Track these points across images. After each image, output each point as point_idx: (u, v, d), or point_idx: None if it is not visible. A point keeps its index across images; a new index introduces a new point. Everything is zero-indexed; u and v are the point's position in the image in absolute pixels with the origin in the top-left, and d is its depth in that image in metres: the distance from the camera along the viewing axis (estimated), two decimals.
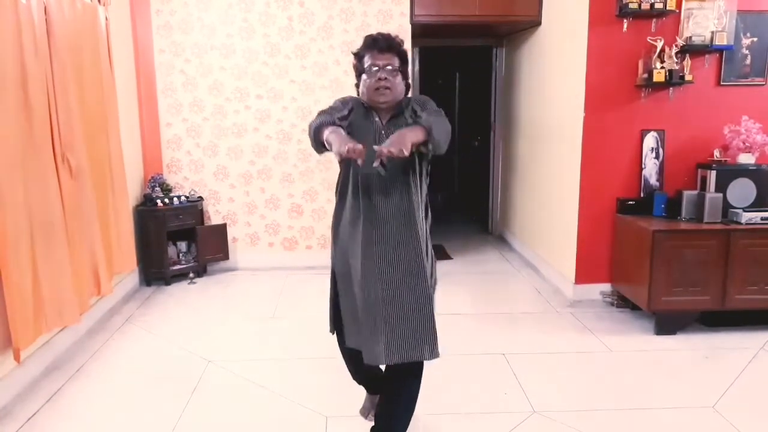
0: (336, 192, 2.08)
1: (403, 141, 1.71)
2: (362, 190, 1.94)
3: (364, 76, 1.97)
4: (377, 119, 1.99)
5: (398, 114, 2.00)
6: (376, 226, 1.93)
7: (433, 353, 1.96)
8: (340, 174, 2.05)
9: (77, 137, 3.14)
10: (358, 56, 2.01)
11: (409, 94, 2.09)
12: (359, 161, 1.73)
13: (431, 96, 2.12)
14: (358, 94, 2.07)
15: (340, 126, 1.90)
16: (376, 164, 1.74)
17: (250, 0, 4.52)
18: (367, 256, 1.94)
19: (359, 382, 2.36)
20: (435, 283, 2.10)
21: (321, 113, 1.98)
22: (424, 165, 2.01)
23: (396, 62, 1.96)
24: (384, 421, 2.08)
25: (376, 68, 1.93)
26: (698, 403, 2.58)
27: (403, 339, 1.93)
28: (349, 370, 2.31)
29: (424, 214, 2.03)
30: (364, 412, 2.42)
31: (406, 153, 1.69)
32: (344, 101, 2.05)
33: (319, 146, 1.93)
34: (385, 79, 1.92)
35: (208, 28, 4.53)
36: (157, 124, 4.60)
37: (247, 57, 4.59)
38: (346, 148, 1.70)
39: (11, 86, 2.53)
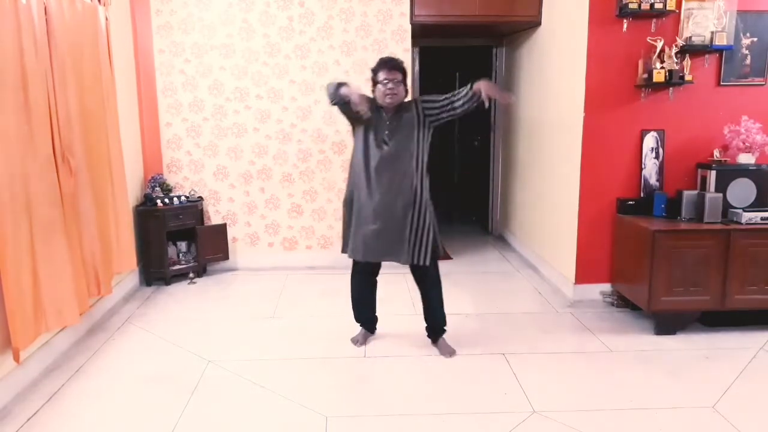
0: (354, 150, 3.02)
1: (490, 88, 2.75)
2: (372, 152, 2.92)
3: (379, 86, 2.91)
4: (384, 114, 2.95)
5: (398, 110, 2.93)
6: (381, 179, 2.91)
7: (403, 260, 2.98)
8: (354, 136, 3.03)
9: (77, 137, 3.15)
10: (375, 71, 2.95)
11: (408, 97, 3.02)
12: (364, 112, 2.82)
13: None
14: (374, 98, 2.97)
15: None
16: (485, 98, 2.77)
17: (250, 0, 4.52)
18: (375, 197, 2.92)
19: (359, 318, 3.27)
20: (429, 223, 3.00)
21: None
22: (425, 137, 2.94)
23: (399, 77, 2.90)
24: (427, 312, 3.17)
25: (387, 81, 2.87)
26: (698, 403, 2.58)
27: (390, 246, 2.95)
28: (355, 303, 3.25)
29: (421, 175, 2.93)
30: (355, 341, 3.23)
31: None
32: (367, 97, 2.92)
33: (335, 96, 2.87)
34: (392, 88, 2.87)
35: (208, 28, 4.53)
36: (157, 124, 4.60)
37: (247, 57, 4.59)
38: (359, 101, 2.80)
39: (11, 86, 2.53)
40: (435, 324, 3.16)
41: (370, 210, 2.93)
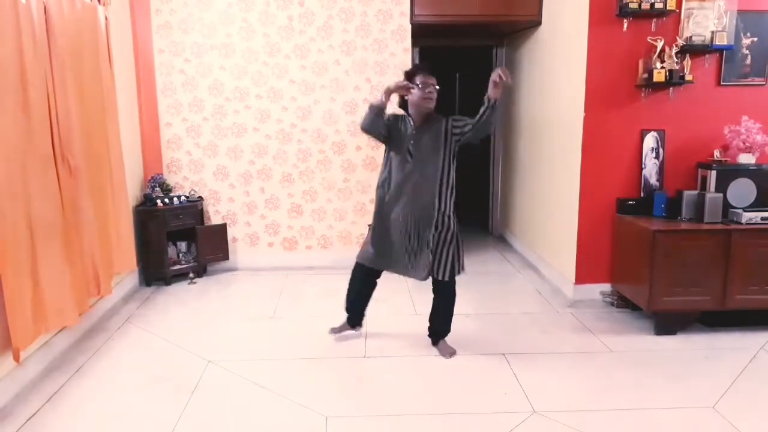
0: (384, 166, 3.03)
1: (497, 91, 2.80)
2: (406, 174, 2.92)
3: (415, 90, 2.86)
4: (411, 125, 2.95)
5: (427, 122, 2.93)
6: (411, 197, 2.91)
7: (419, 276, 2.99)
8: (386, 154, 3.03)
9: (77, 137, 3.14)
10: (410, 74, 2.91)
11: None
12: (405, 89, 2.84)
13: None
14: (399, 104, 3.01)
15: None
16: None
17: (250, 0, 4.52)
18: (404, 212, 2.94)
19: (347, 306, 3.30)
20: (455, 237, 2.98)
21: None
22: (450, 153, 2.92)
23: (436, 83, 2.90)
24: (434, 317, 3.17)
25: (426, 84, 2.86)
26: (698, 403, 2.58)
27: (409, 262, 3.00)
28: (351, 295, 3.27)
29: (445, 190, 2.92)
30: (332, 331, 3.32)
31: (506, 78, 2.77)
32: (388, 115, 2.95)
33: (378, 118, 2.86)
34: (431, 92, 2.88)
35: (208, 28, 4.53)
36: (157, 124, 4.60)
37: (246, 57, 4.58)
38: (398, 86, 2.84)
39: (11, 86, 2.53)
40: (439, 330, 3.17)
41: (391, 222, 2.97)
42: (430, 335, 3.21)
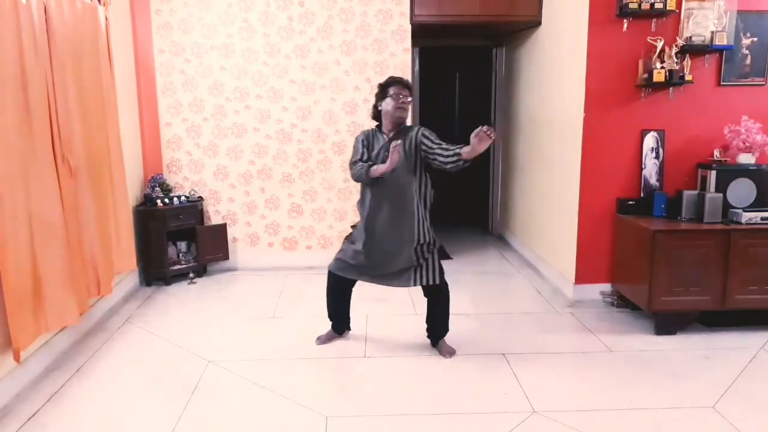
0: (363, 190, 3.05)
1: (478, 149, 2.64)
2: (383, 188, 2.93)
3: (389, 99, 2.92)
4: (384, 138, 2.99)
5: (399, 132, 2.96)
6: (389, 210, 2.95)
7: (428, 281, 3.02)
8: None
9: (77, 137, 3.15)
10: (384, 87, 2.96)
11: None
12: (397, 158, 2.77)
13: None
14: (373, 116, 3.07)
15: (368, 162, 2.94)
16: (395, 144, 2.76)
17: (250, 0, 4.52)
18: (388, 224, 2.96)
19: (331, 315, 3.31)
20: (435, 243, 3.06)
21: (354, 162, 2.97)
22: (423, 173, 2.96)
23: (409, 94, 2.96)
24: (432, 319, 3.18)
25: (399, 94, 2.92)
26: (698, 403, 2.58)
27: (392, 271, 3.02)
28: (330, 304, 3.28)
29: (425, 201, 3.00)
30: (318, 341, 3.27)
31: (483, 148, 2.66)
32: (360, 140, 3.01)
33: (369, 179, 2.89)
34: (404, 102, 2.93)
35: (208, 28, 4.53)
36: (157, 124, 4.60)
37: (247, 57, 4.59)
38: (392, 165, 2.77)
39: (11, 86, 2.53)
40: (438, 331, 3.18)
41: (376, 234, 2.98)
42: (429, 336, 3.21)
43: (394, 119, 2.95)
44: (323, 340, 3.28)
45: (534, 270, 4.75)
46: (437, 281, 3.01)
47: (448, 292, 3.13)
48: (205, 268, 4.70)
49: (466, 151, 2.66)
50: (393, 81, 2.99)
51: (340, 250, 3.14)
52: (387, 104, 2.93)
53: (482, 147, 2.60)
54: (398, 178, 2.91)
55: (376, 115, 3.04)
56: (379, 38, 4.63)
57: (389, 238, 2.96)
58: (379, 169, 2.84)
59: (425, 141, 2.86)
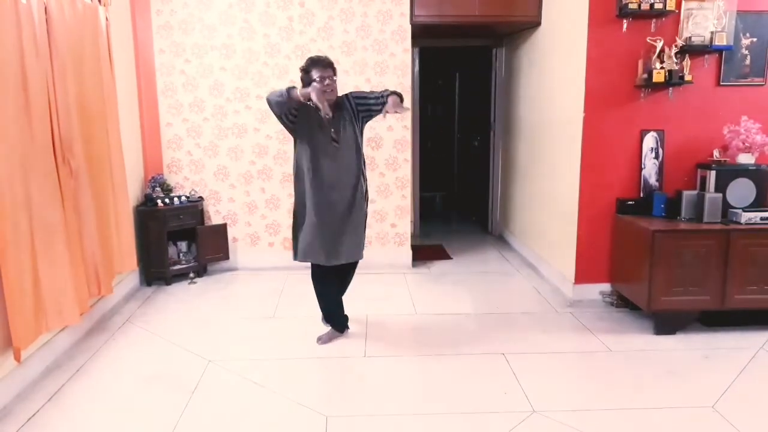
0: (298, 158, 3.03)
1: (396, 104, 2.86)
2: (320, 154, 2.96)
3: (314, 83, 2.86)
4: (326, 113, 2.91)
5: (337, 108, 2.98)
6: (333, 177, 2.97)
7: (359, 256, 3.16)
8: (298, 145, 3.03)
9: (77, 137, 3.15)
10: (306, 70, 2.93)
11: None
12: (325, 110, 2.85)
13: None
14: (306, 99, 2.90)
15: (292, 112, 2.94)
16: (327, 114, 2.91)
17: (251, 0, 4.52)
18: (329, 196, 2.99)
19: (326, 315, 3.32)
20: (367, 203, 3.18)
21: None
22: (361, 130, 3.07)
23: (332, 73, 2.94)
24: (342, 288, 3.35)
25: (323, 78, 2.88)
26: (698, 403, 2.58)
27: (350, 247, 3.08)
28: (318, 301, 3.28)
29: (363, 169, 3.09)
30: (319, 340, 3.25)
31: (402, 111, 2.94)
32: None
33: (287, 99, 2.82)
34: (329, 84, 2.90)
35: (209, 29, 4.54)
36: (158, 125, 4.61)
37: (247, 57, 4.59)
38: (321, 94, 2.80)
39: (11, 86, 2.54)
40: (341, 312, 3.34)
41: (325, 212, 2.99)
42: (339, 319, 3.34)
43: (328, 101, 2.90)
44: (325, 339, 3.26)
45: (534, 270, 4.76)
46: (361, 256, 3.16)
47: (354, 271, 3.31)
48: (205, 268, 4.71)
49: (388, 106, 2.90)
50: (313, 62, 2.94)
51: (298, 234, 3.10)
52: (313, 89, 2.83)
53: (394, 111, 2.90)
54: (348, 149, 2.98)
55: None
56: (379, 38, 4.63)
57: (340, 208, 3.00)
58: (313, 91, 2.78)
59: (361, 105, 3.01)
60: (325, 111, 2.86)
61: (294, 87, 2.88)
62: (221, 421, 2.47)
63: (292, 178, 3.12)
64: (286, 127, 3.02)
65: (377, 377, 2.88)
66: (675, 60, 3.53)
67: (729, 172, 3.50)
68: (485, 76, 6.11)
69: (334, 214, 3.00)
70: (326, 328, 3.35)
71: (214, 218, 4.78)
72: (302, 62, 3.03)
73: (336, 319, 3.32)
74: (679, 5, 3.56)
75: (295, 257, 3.12)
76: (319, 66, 2.92)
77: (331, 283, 3.24)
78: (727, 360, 3.03)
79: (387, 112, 2.94)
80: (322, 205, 2.99)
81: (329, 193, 2.98)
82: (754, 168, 3.50)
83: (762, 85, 3.70)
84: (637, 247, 3.45)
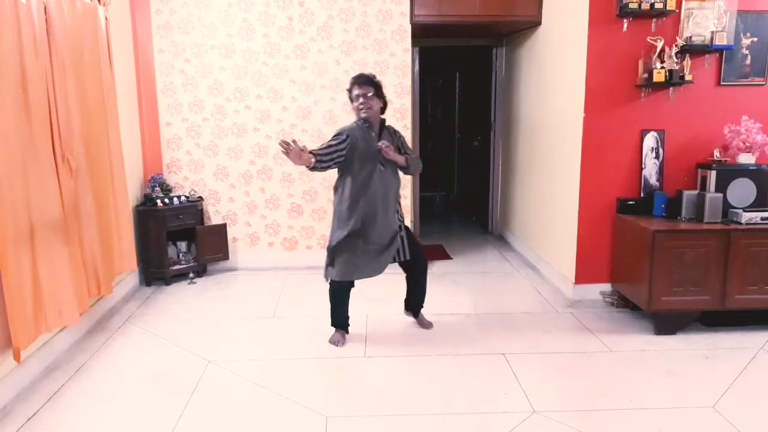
0: (346, 180, 3.08)
1: (391, 155, 3.02)
2: (368, 180, 3.06)
3: (354, 102, 3.06)
4: (373, 133, 3.08)
5: (382, 129, 3.14)
6: (382, 196, 3.09)
7: (415, 255, 3.28)
8: (345, 172, 3.10)
9: (77, 137, 3.15)
10: (349, 90, 3.08)
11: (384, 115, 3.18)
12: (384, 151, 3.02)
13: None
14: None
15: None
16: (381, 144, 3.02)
17: (250, 0, 4.52)
18: (375, 218, 3.09)
19: (338, 322, 3.32)
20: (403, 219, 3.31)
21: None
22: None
23: (371, 91, 3.02)
24: (418, 293, 3.48)
25: (359, 96, 3.01)
26: (698, 403, 2.58)
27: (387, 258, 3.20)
28: (335, 310, 3.29)
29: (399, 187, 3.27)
30: (335, 341, 3.26)
31: (391, 157, 3.04)
32: (341, 136, 3.02)
33: (313, 166, 2.92)
34: (364, 102, 3.01)
35: (208, 28, 4.53)
36: (157, 124, 4.61)
37: (247, 57, 4.59)
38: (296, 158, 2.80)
39: (11, 86, 2.53)
40: (422, 302, 3.49)
41: (380, 229, 3.10)
42: (410, 309, 3.53)
43: (371, 119, 3.07)
44: (342, 342, 3.27)
45: (534, 270, 4.75)
46: (408, 256, 3.23)
47: (426, 265, 3.40)
48: (205, 268, 4.70)
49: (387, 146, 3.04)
50: (353, 81, 3.07)
51: (340, 256, 3.11)
52: (353, 107, 3.08)
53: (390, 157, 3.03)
54: (393, 171, 3.15)
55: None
56: (379, 38, 4.63)
57: (386, 229, 3.12)
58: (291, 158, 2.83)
59: (402, 143, 3.24)
60: (307, 160, 2.84)
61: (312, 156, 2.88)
62: (221, 422, 2.47)
63: (333, 201, 3.20)
64: (338, 167, 3.08)
65: (377, 377, 2.88)
66: (675, 60, 3.53)
67: (729, 172, 3.50)
68: (485, 76, 6.11)
69: (381, 235, 3.10)
70: (331, 330, 3.36)
71: (214, 218, 4.78)
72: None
73: (343, 323, 3.35)
74: (679, 5, 3.55)
75: (334, 277, 3.15)
76: (356, 83, 3.04)
77: (347, 293, 3.30)
78: (728, 360, 3.03)
79: (386, 151, 3.01)
80: (379, 223, 3.08)
81: (385, 211, 3.10)
82: (755, 168, 3.50)
83: (762, 84, 3.69)
84: (638, 247, 3.45)
